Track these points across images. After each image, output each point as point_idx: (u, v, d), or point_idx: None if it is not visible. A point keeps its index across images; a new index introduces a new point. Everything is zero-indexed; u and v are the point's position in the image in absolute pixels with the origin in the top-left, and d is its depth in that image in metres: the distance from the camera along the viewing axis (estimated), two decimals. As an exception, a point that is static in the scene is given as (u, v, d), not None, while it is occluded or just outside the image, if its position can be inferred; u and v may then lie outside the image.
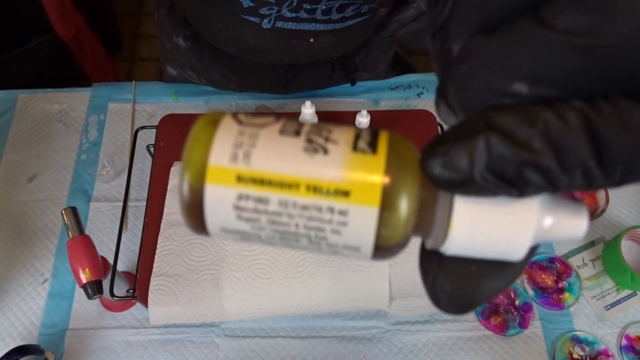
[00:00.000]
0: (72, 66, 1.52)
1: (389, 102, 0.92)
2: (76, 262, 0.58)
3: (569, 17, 0.17)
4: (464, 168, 0.19)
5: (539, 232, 0.21)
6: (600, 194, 0.79)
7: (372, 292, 0.63)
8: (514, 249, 0.21)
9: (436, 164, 0.19)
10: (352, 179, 0.20)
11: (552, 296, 0.74)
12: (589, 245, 0.79)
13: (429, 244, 0.22)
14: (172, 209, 0.67)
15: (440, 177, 0.19)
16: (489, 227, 0.20)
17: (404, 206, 0.20)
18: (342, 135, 0.21)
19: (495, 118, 0.19)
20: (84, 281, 0.58)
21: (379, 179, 0.20)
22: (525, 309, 0.73)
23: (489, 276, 0.21)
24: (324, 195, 0.20)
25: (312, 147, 0.21)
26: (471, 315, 0.73)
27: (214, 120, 0.21)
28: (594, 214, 0.78)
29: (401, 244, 0.21)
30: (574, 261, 0.77)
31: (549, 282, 0.75)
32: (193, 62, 0.85)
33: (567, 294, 0.75)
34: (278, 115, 0.22)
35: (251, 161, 0.20)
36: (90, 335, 0.70)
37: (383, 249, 0.21)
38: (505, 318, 0.73)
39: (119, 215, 0.73)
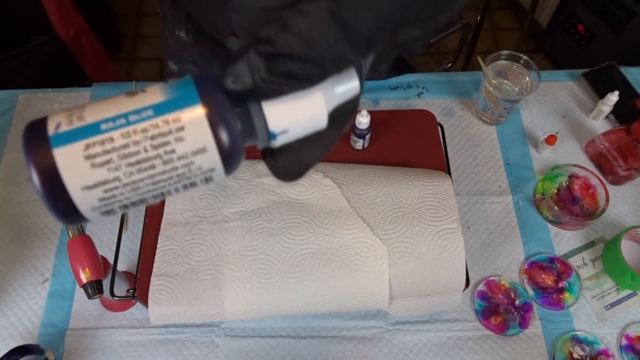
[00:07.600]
0: (73, 66, 1.53)
1: (389, 102, 0.92)
2: (76, 262, 0.58)
3: None
4: (247, 78, 0.25)
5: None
6: (601, 195, 0.79)
7: (372, 292, 0.63)
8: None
9: (228, 81, 0.25)
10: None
11: (552, 296, 0.74)
12: (589, 245, 0.79)
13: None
14: (173, 208, 0.67)
15: (234, 89, 0.25)
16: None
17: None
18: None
19: (260, 32, 0.25)
20: (84, 281, 0.58)
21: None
22: (525, 308, 0.73)
23: (308, 147, 0.29)
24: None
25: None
26: (471, 315, 0.73)
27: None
28: (594, 213, 0.78)
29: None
30: (574, 261, 0.77)
31: (549, 282, 0.75)
32: (194, 56, 0.85)
33: (567, 294, 0.75)
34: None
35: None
36: (90, 335, 0.70)
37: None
38: (505, 318, 0.73)
39: (119, 215, 0.73)
